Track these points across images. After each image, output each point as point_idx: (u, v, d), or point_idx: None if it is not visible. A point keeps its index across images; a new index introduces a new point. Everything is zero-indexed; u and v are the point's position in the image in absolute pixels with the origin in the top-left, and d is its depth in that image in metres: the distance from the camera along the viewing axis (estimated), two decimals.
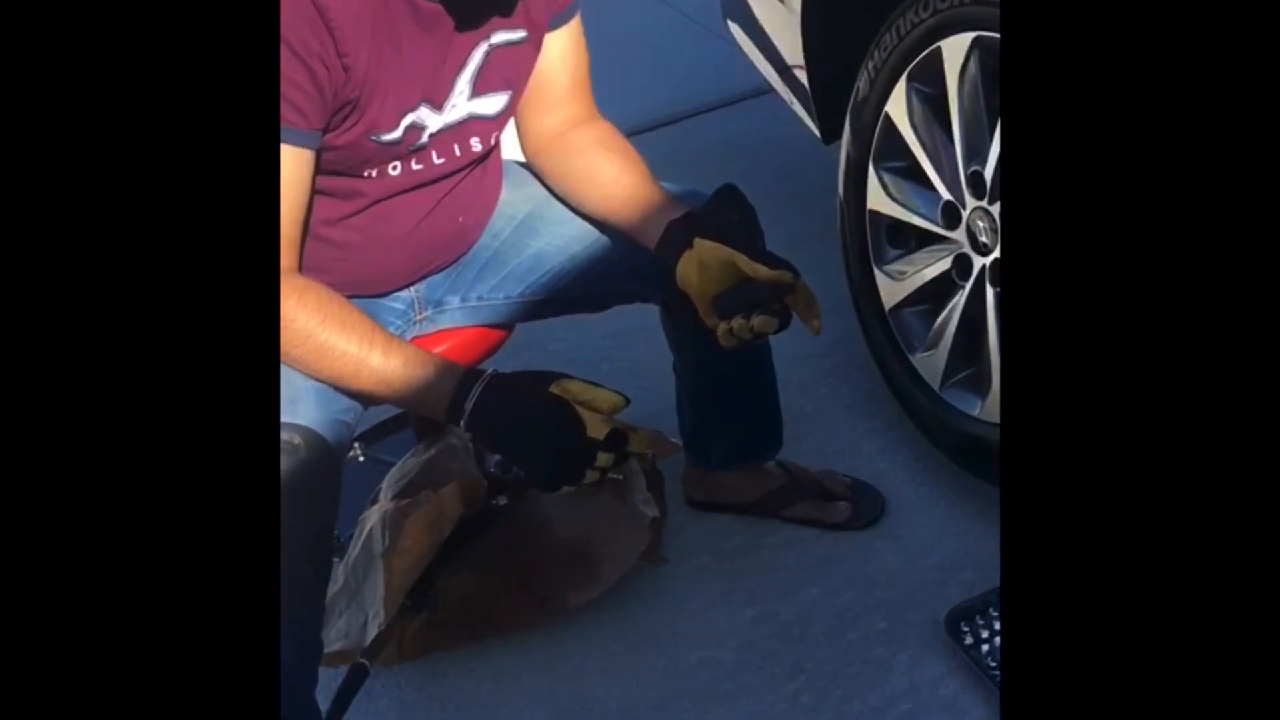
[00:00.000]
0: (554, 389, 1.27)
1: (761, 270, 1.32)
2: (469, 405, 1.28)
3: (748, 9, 2.19)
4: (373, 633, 1.59)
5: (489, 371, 1.30)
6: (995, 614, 1.53)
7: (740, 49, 2.34)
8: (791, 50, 2.00)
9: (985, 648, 1.50)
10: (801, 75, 2.00)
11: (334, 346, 1.28)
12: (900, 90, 1.67)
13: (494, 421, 1.29)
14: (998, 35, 1.48)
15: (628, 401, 1.29)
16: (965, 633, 1.52)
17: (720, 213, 1.45)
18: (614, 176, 1.48)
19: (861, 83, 1.74)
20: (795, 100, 2.08)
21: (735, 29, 2.34)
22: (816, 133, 2.00)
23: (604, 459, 1.27)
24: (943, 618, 1.54)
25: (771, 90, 2.97)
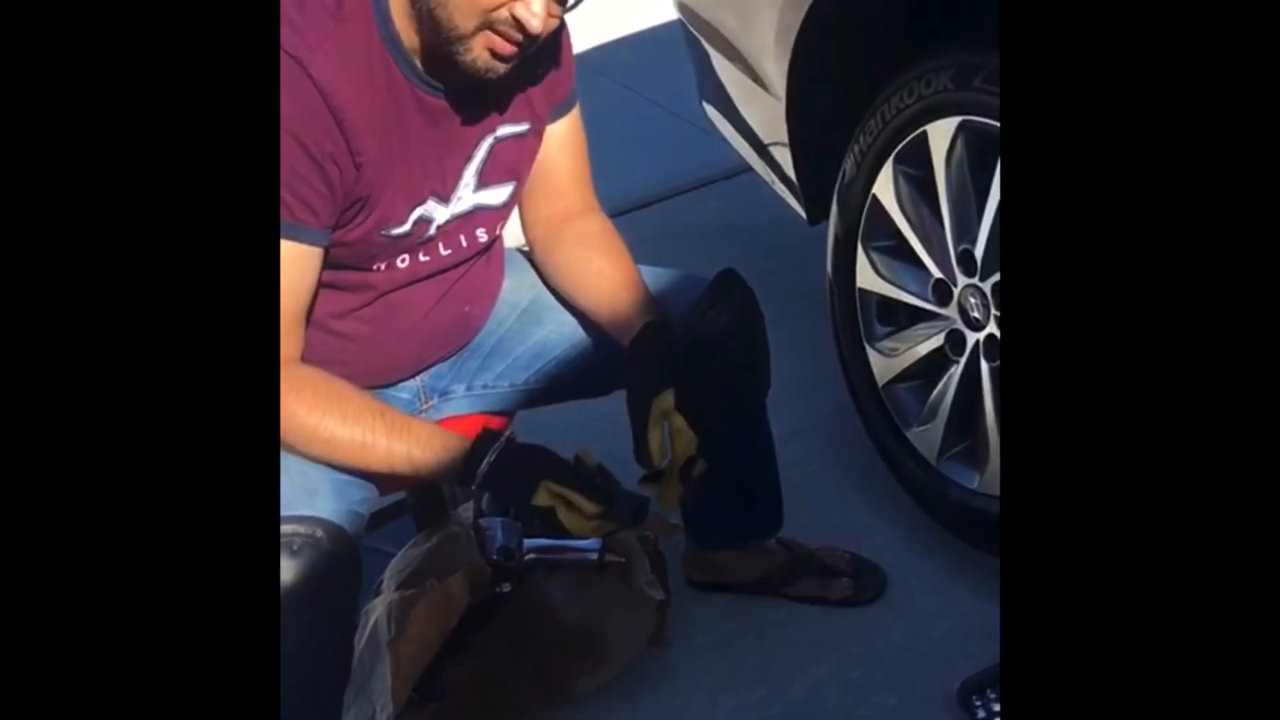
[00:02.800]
0: (538, 499, 1.29)
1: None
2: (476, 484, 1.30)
3: (725, 94, 2.24)
4: None
5: (484, 465, 1.29)
6: None
7: (719, 132, 2.39)
8: (771, 132, 2.04)
9: None
10: (780, 156, 2.04)
11: (339, 439, 1.29)
12: (887, 172, 1.72)
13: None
14: (983, 119, 1.53)
15: (612, 500, 1.30)
16: (978, 706, 1.53)
17: (713, 305, 1.47)
18: (594, 279, 1.51)
19: (848, 166, 1.79)
20: (777, 181, 2.12)
21: (712, 111, 2.39)
22: (802, 214, 2.04)
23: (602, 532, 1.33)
24: (954, 691, 1.55)
25: (744, 171, 3.03)
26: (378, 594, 1.71)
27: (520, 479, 1.29)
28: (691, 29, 2.29)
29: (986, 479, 1.65)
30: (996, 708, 1.52)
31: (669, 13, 2.43)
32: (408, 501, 1.89)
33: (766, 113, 2.02)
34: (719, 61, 2.20)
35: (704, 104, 2.43)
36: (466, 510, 1.77)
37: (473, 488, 1.30)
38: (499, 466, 1.29)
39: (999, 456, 1.61)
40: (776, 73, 1.88)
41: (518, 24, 1.22)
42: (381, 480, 1.37)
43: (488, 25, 1.23)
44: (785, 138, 1.96)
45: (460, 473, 1.30)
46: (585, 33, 1.49)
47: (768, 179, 2.19)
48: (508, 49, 1.25)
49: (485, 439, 1.30)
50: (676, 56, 3.13)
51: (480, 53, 1.25)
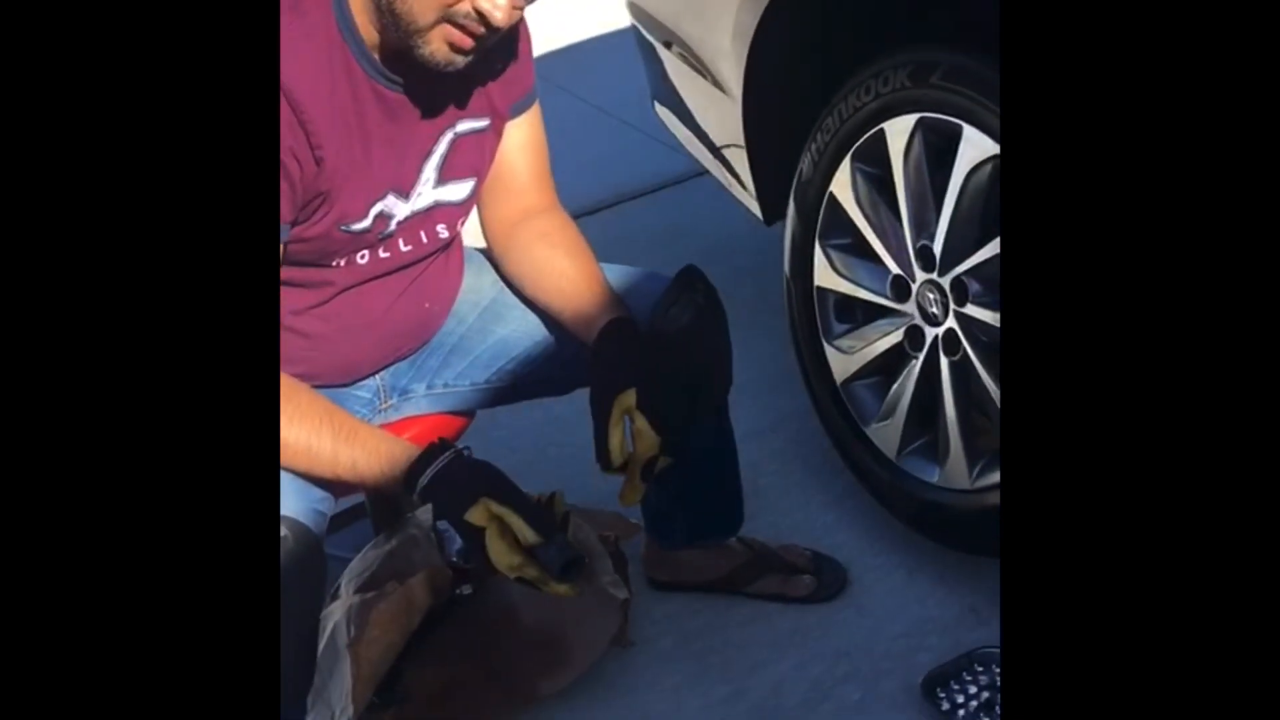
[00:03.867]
0: (472, 515, 1.24)
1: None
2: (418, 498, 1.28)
3: (678, 96, 2.24)
4: None
5: (426, 477, 1.26)
6: (970, 678, 1.55)
7: (671, 134, 2.40)
8: (726, 133, 2.05)
9: (962, 712, 1.51)
10: (735, 157, 2.05)
11: (285, 441, 1.26)
12: (845, 170, 1.73)
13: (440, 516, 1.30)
14: (941, 116, 1.55)
15: (551, 527, 1.26)
16: (942, 698, 1.53)
17: (675, 301, 1.47)
18: (555, 278, 1.50)
19: (805, 164, 1.80)
20: (733, 183, 2.12)
21: (665, 114, 2.39)
22: (758, 214, 2.05)
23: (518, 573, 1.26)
24: (918, 684, 1.56)
25: (694, 176, 3.04)
26: (335, 598, 1.69)
27: (460, 493, 1.25)
28: (644, 32, 2.29)
29: (946, 473, 1.66)
30: (960, 699, 1.53)
31: (611, 21, 2.43)
32: (366, 505, 1.86)
33: (722, 114, 2.02)
34: (672, 64, 2.20)
35: (656, 106, 2.43)
36: (426, 513, 1.75)
37: (414, 498, 1.27)
38: (440, 479, 1.26)
39: (958, 451, 1.62)
40: (732, 74, 1.88)
41: (480, 17, 1.21)
42: (329, 485, 1.34)
43: (447, 19, 1.22)
44: (741, 139, 1.96)
45: (403, 483, 1.27)
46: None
47: (723, 180, 2.19)
48: (467, 42, 1.23)
49: (433, 450, 1.28)
50: (620, 63, 3.13)
51: (439, 46, 1.24)
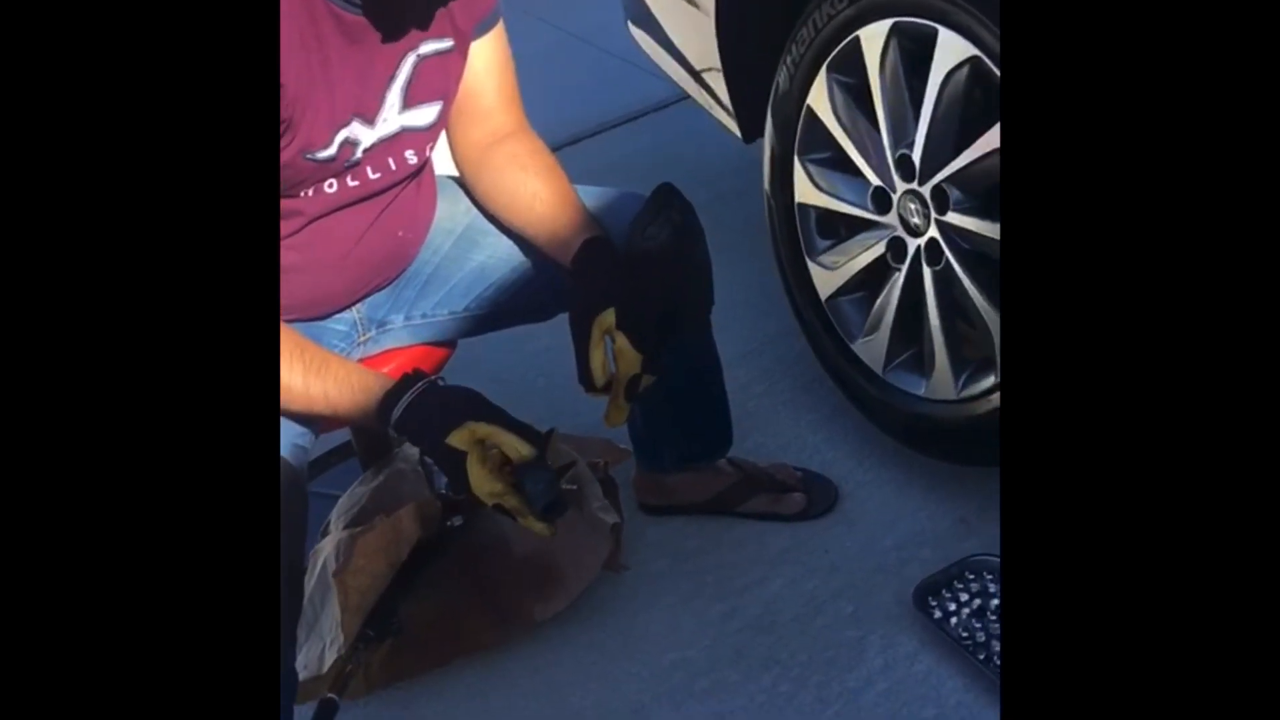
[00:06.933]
0: (454, 439, 1.21)
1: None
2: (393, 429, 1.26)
3: (652, 17, 2.20)
4: (330, 658, 1.55)
5: (399, 407, 1.24)
6: (961, 586, 1.55)
7: (647, 55, 2.35)
8: (702, 53, 2.01)
9: (954, 620, 1.52)
10: (712, 78, 2.02)
11: None
12: (820, 82, 1.69)
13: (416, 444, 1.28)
14: (915, 20, 1.51)
15: (543, 443, 1.23)
16: (934, 607, 1.54)
17: (653, 220, 1.45)
18: (528, 201, 1.47)
19: (781, 78, 1.76)
20: (711, 102, 2.09)
21: (640, 35, 2.35)
22: (736, 132, 2.02)
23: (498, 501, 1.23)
24: (910, 595, 1.56)
25: (675, 102, 3.00)
26: (325, 535, 1.68)
27: (441, 418, 1.23)
28: None
29: (932, 385, 1.65)
30: (952, 607, 1.53)
31: None
32: (353, 443, 1.86)
33: (696, 32, 1.98)
34: None
35: (630, 26, 2.39)
36: (414, 447, 1.74)
37: (389, 430, 1.26)
38: (415, 409, 1.24)
39: (944, 361, 1.61)
40: None
41: None
42: (305, 419, 1.32)
43: None
44: (716, 61, 1.93)
45: (377, 414, 1.25)
46: None
47: (698, 98, 2.16)
48: None
49: (408, 380, 1.26)
50: None
51: None
